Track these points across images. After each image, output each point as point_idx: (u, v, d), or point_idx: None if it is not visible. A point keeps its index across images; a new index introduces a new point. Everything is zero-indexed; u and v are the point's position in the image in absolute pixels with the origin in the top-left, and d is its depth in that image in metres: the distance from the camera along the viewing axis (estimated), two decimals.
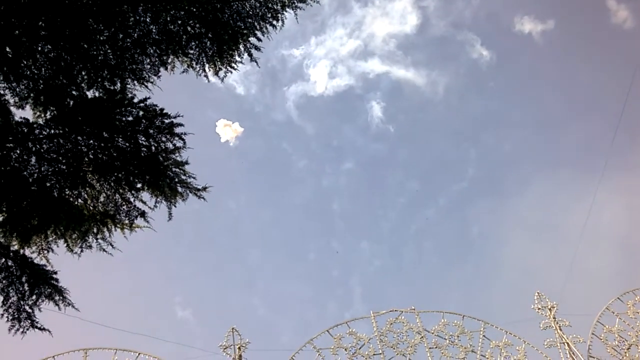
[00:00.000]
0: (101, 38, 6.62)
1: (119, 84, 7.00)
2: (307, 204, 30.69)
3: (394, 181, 31.48)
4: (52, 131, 6.77)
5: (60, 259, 7.65)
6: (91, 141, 6.88)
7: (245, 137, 29.24)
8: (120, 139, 6.95)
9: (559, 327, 11.63)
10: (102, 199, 7.44)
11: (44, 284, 7.45)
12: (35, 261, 7.43)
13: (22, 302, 7.37)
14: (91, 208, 7.43)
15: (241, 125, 27.58)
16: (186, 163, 7.39)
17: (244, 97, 30.81)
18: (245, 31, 7.17)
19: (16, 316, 7.35)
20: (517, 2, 32.28)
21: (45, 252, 7.52)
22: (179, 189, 7.45)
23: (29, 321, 7.42)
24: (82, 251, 7.63)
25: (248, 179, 31.27)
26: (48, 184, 6.90)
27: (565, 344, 11.38)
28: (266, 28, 7.32)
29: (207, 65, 7.37)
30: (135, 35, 6.77)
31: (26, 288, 7.35)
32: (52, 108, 6.97)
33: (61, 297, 7.59)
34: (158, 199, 7.45)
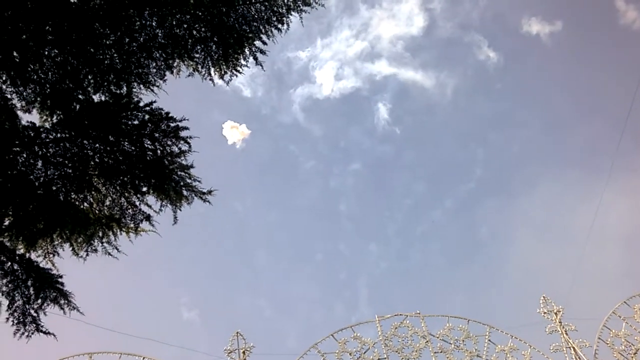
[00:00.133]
0: (107, 42, 6.65)
1: (125, 88, 7.03)
2: (314, 206, 30.63)
3: (401, 182, 31.38)
4: (59, 135, 6.79)
5: (65, 262, 7.66)
6: (97, 145, 6.89)
7: (252, 139, 29.24)
8: (126, 143, 6.97)
9: (565, 331, 11.54)
10: (107, 203, 7.45)
11: (50, 288, 7.45)
12: (41, 265, 7.45)
13: (27, 306, 7.37)
14: (97, 212, 7.44)
15: (248, 128, 27.59)
16: (191, 167, 7.41)
17: (250, 100, 30.83)
18: (250, 35, 7.20)
19: (21, 320, 7.35)
20: (524, 4, 32.18)
21: (51, 255, 7.52)
22: (185, 192, 7.46)
23: (34, 325, 7.42)
24: (87, 255, 7.63)
25: (255, 180, 31.25)
26: (54, 188, 6.91)
27: (572, 348, 11.28)
28: (271, 31, 7.35)
29: (212, 69, 7.40)
30: (141, 39, 6.79)
31: (31, 292, 7.35)
32: (58, 112, 6.99)
33: (66, 301, 7.59)
34: (163, 203, 7.45)
